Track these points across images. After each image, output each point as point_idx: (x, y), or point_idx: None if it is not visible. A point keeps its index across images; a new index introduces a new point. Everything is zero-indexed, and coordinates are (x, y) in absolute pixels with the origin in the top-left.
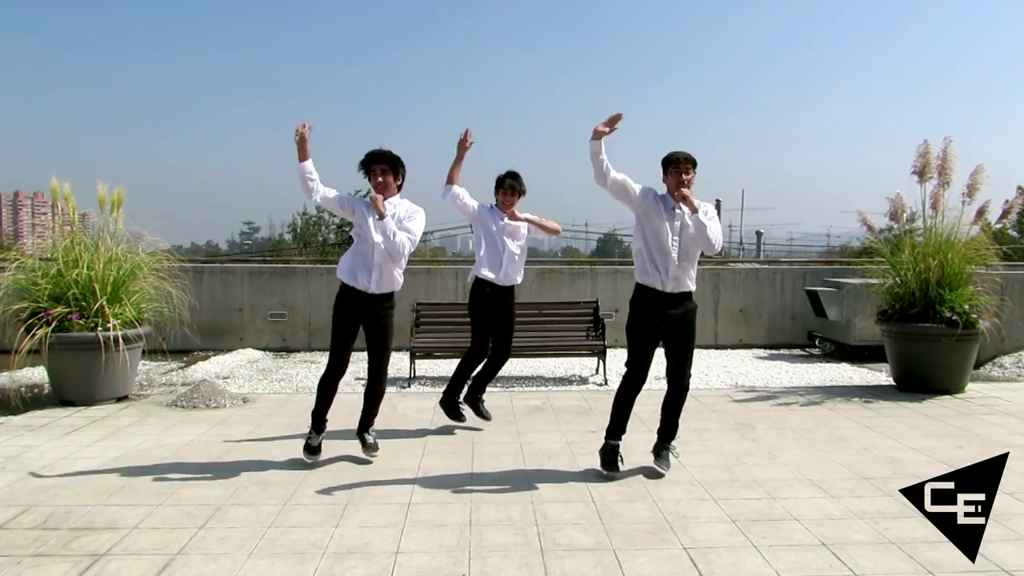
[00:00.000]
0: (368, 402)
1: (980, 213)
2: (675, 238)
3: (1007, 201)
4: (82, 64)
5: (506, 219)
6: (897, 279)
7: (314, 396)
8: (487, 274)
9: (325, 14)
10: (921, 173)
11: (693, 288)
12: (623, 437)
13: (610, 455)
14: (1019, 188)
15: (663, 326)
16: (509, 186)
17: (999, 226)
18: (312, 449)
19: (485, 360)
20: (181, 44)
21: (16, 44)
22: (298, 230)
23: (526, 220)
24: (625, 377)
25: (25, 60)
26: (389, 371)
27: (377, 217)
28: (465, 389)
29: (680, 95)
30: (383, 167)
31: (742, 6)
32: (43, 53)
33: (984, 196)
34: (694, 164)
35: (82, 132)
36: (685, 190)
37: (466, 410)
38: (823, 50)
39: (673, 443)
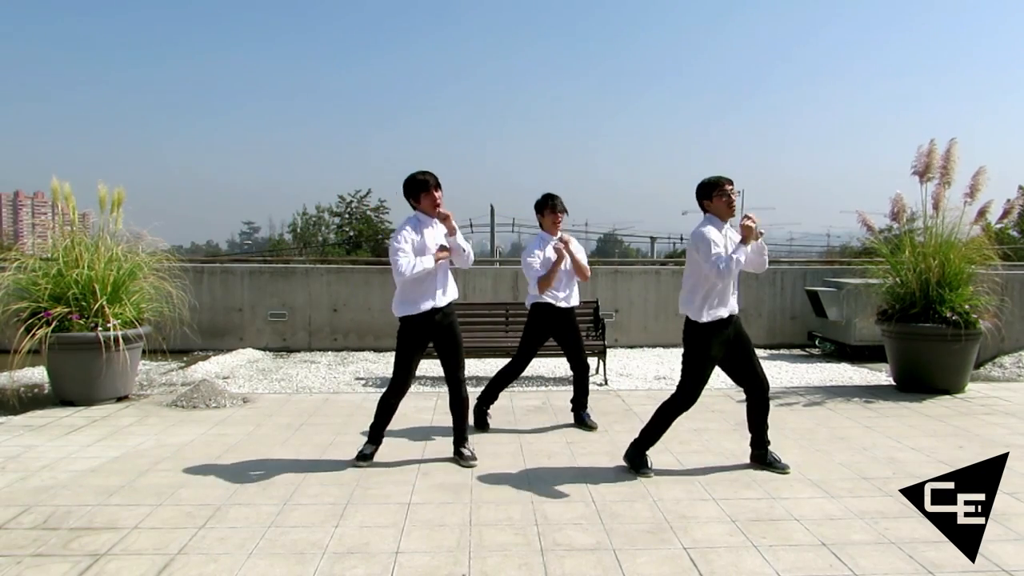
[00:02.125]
0: (457, 414)
1: (981, 213)
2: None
3: (1008, 201)
4: (82, 63)
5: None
6: (897, 279)
7: (313, 397)
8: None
9: (326, 14)
10: (922, 173)
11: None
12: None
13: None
14: (1020, 188)
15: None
16: (562, 208)
17: (999, 226)
18: (363, 457)
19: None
20: (181, 43)
21: (16, 44)
22: (298, 230)
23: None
24: (684, 402)
25: (25, 60)
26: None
27: (449, 234)
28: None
29: (680, 95)
30: (438, 186)
31: (743, 5)
32: (43, 53)
33: (985, 196)
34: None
35: (82, 132)
36: (752, 215)
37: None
38: (824, 49)
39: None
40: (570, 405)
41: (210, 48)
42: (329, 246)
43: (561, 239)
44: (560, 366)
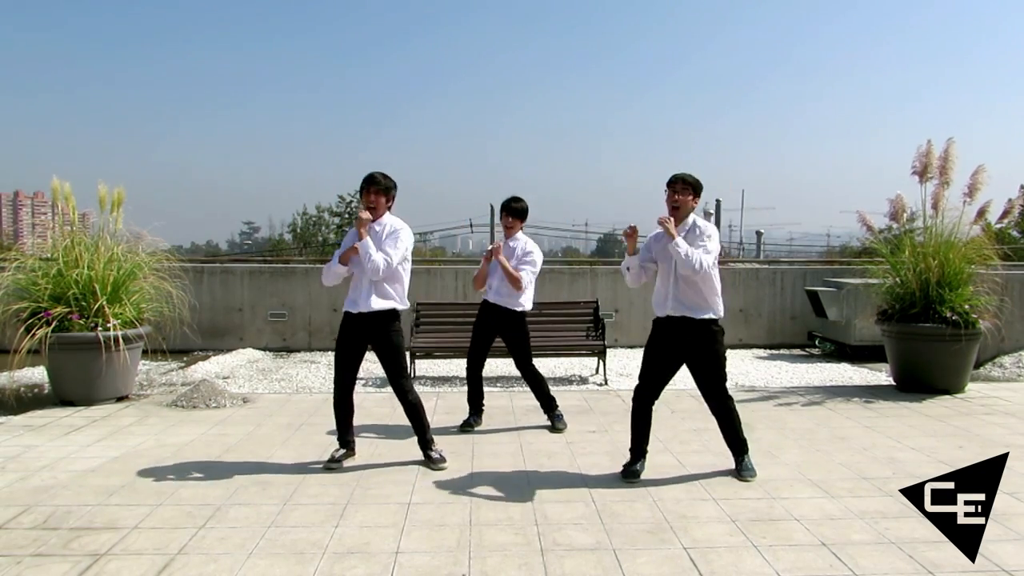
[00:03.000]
0: (412, 421)
1: (981, 213)
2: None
3: (1009, 200)
4: (81, 63)
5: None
6: (897, 279)
7: (313, 396)
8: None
9: (326, 12)
10: (921, 173)
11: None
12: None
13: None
14: (1022, 187)
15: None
16: (510, 211)
17: (1000, 226)
18: (332, 460)
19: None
20: (181, 43)
21: (16, 43)
22: (298, 230)
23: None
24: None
25: (25, 59)
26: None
27: (359, 238)
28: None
29: (680, 94)
30: (375, 189)
31: (743, 4)
32: (43, 52)
33: (985, 195)
34: (688, 185)
35: (81, 131)
36: (661, 216)
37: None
38: (824, 49)
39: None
40: (572, 406)
41: (210, 47)
42: (329, 246)
43: (494, 246)
44: (560, 366)
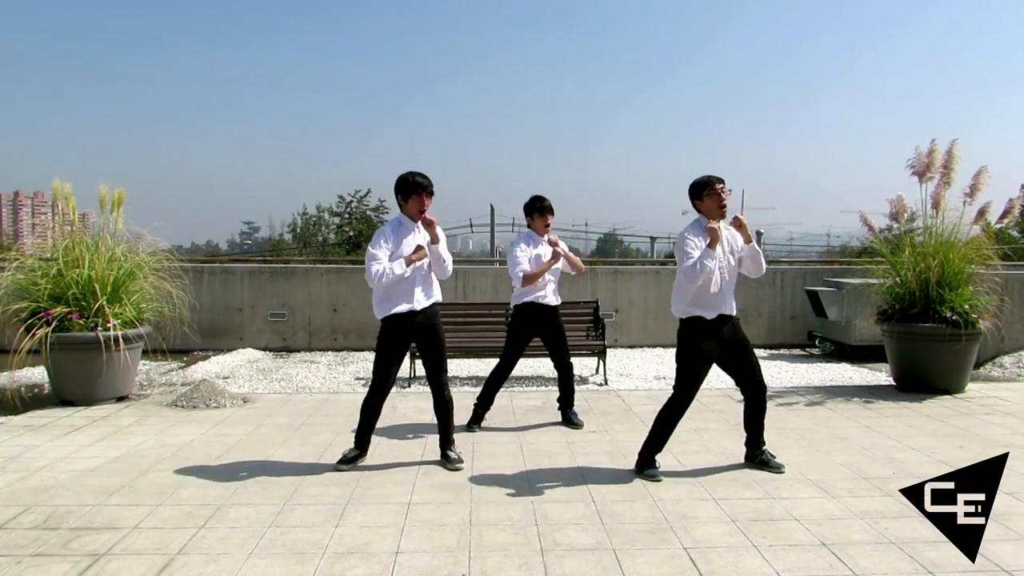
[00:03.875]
0: (442, 417)
1: (981, 213)
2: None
3: (1009, 200)
4: (81, 62)
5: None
6: (897, 279)
7: (313, 396)
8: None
9: (326, 13)
10: (921, 173)
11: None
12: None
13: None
14: (1022, 187)
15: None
16: (550, 209)
17: (1000, 226)
18: (346, 460)
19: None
20: (181, 42)
21: (15, 42)
22: (298, 230)
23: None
24: (680, 402)
25: (24, 59)
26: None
27: (431, 241)
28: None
29: (680, 94)
30: (429, 193)
31: (743, 4)
32: (42, 51)
33: (985, 195)
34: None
35: (81, 131)
36: (740, 215)
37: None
38: (824, 49)
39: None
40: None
41: (209, 47)
42: (329, 246)
43: (550, 240)
44: None
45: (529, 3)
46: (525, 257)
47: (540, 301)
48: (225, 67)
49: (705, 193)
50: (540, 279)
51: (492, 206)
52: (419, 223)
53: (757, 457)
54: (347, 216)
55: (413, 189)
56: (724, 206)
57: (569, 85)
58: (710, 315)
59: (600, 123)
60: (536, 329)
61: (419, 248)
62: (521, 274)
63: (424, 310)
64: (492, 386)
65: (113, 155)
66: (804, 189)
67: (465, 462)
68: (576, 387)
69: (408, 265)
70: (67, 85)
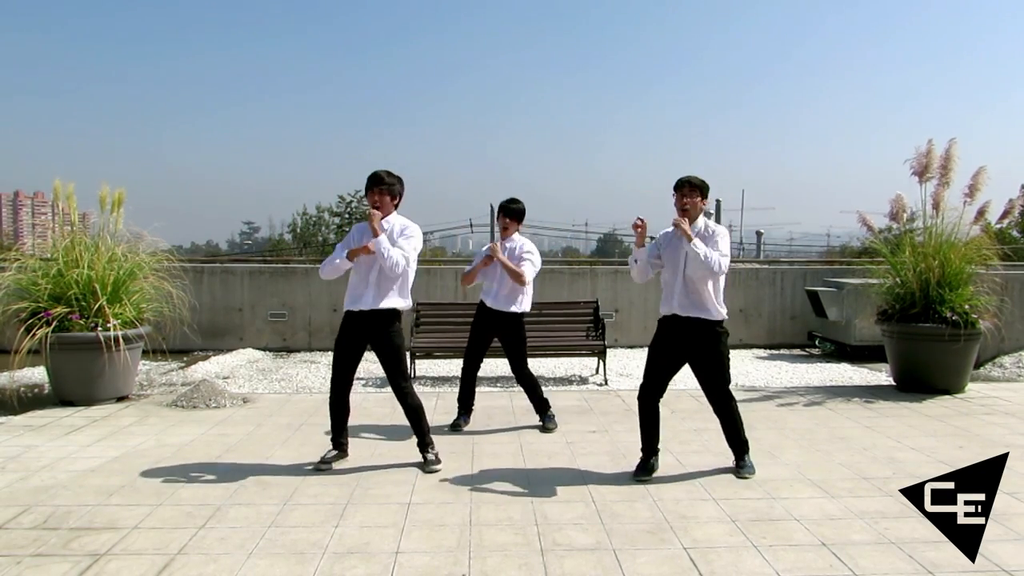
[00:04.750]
0: (410, 422)
1: (980, 213)
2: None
3: (1009, 201)
4: (80, 62)
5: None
6: (897, 279)
7: (313, 396)
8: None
9: (325, 13)
10: (921, 174)
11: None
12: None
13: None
14: (1022, 187)
15: (683, 350)
16: (509, 212)
17: (1000, 226)
18: (323, 461)
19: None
20: (180, 41)
21: (15, 42)
22: (298, 230)
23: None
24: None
25: (24, 59)
26: None
27: (372, 236)
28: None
29: (680, 93)
30: (379, 189)
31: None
32: (42, 51)
33: (985, 195)
34: (695, 188)
35: (81, 130)
36: (676, 218)
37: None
38: (824, 47)
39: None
40: (572, 406)
41: (209, 46)
42: (329, 246)
43: (491, 246)
44: (560, 366)
45: (529, 3)
46: (478, 257)
47: (485, 301)
48: (225, 67)
49: (674, 195)
50: (473, 279)
51: (492, 206)
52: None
53: (735, 464)
54: (347, 216)
55: (367, 186)
56: (680, 210)
57: (570, 85)
58: (664, 311)
59: (600, 123)
60: (487, 330)
61: (365, 248)
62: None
63: (372, 312)
64: (463, 381)
65: (113, 155)
66: (804, 189)
67: (444, 463)
68: (576, 387)
69: (349, 258)
70: (67, 85)
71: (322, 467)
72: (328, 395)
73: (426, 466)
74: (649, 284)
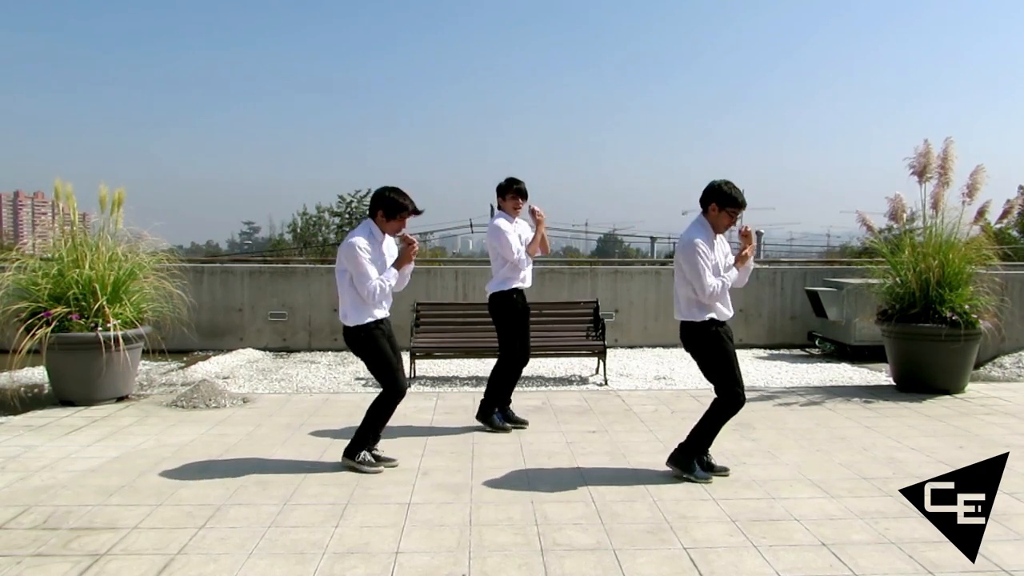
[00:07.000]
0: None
1: (980, 213)
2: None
3: (1008, 201)
4: (80, 62)
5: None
6: (897, 279)
7: (313, 397)
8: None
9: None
10: (920, 173)
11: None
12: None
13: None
14: (1021, 187)
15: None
16: (525, 193)
17: (999, 226)
18: (380, 460)
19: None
20: (180, 41)
21: (15, 42)
22: (298, 230)
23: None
24: (732, 404)
25: (24, 59)
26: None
27: (406, 261)
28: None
29: (680, 93)
30: (411, 217)
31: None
32: (42, 50)
33: (985, 195)
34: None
35: (81, 130)
36: (747, 227)
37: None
38: (824, 48)
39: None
40: (572, 406)
41: (209, 47)
42: (329, 246)
43: (539, 212)
44: (560, 366)
45: (530, 4)
46: (514, 238)
47: (519, 286)
48: (225, 67)
49: (726, 208)
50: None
51: (492, 206)
52: (400, 241)
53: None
54: (347, 216)
55: (399, 210)
56: (731, 227)
57: (570, 85)
58: (729, 313)
59: (601, 123)
60: (522, 314)
61: (405, 258)
62: (512, 257)
63: (387, 318)
64: (500, 384)
65: (113, 155)
66: (804, 189)
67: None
68: (576, 387)
69: (398, 268)
70: (67, 85)
71: (394, 464)
72: (327, 395)
73: (346, 462)
74: (648, 284)
